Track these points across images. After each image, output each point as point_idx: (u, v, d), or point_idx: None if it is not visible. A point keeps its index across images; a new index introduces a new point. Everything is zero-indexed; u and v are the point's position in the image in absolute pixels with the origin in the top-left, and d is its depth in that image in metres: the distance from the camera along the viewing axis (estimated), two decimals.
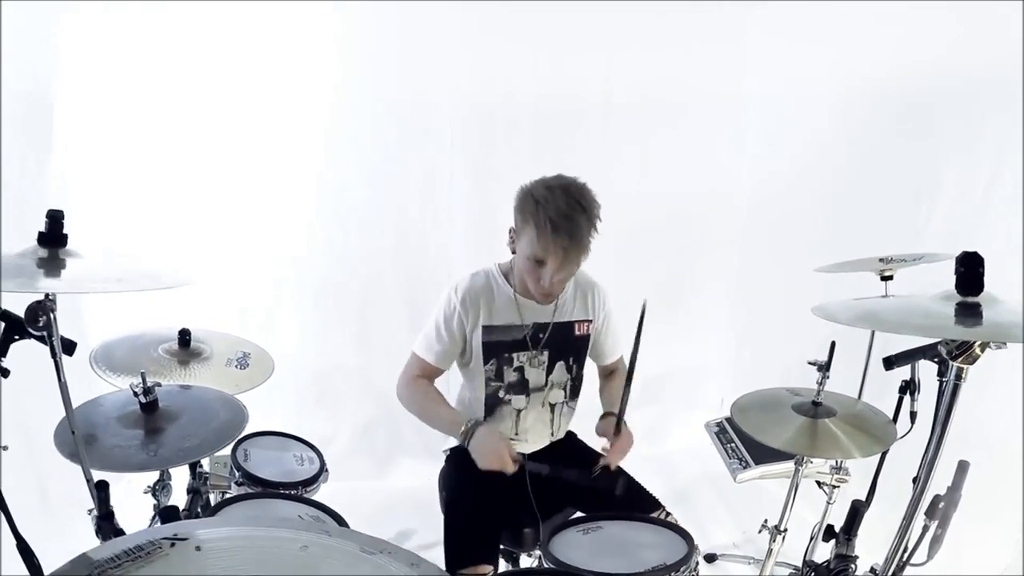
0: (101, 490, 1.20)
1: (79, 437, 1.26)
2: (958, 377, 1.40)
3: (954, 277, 1.39)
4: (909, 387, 2.09)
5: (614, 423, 2.04)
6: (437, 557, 2.82)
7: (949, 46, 2.88)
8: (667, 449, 4.01)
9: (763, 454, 2.62)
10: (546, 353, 2.18)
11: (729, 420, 2.88)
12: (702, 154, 4.07)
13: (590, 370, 2.39)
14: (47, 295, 1.21)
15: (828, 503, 2.43)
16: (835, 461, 2.46)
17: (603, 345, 2.33)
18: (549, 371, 2.21)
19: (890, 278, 2.44)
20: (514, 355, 2.16)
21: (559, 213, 1.89)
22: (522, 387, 2.20)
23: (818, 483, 2.50)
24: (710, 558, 3.02)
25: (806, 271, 2.72)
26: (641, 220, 3.90)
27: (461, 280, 2.16)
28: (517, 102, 3.72)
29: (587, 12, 3.63)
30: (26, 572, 1.32)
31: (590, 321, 2.25)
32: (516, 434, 2.23)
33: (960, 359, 1.36)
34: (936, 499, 1.61)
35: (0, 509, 1.38)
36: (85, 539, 1.48)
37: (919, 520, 1.68)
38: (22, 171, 2.83)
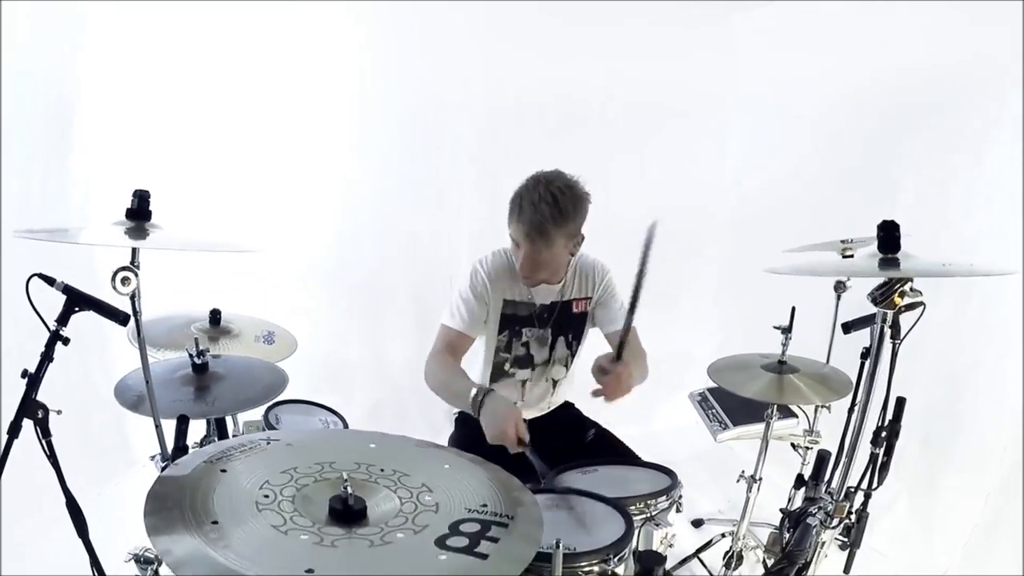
0: (182, 423, 1.42)
1: (151, 386, 1.48)
2: (884, 320, 1.63)
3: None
4: (869, 352, 2.37)
5: (603, 362, 2.06)
6: None
7: (934, 51, 3.00)
8: (656, 428, 4.15)
9: (740, 417, 2.83)
10: (549, 330, 2.35)
11: (711, 390, 3.10)
12: (696, 154, 4.23)
13: (589, 345, 2.53)
14: (133, 260, 1.44)
15: (803, 463, 2.66)
16: (808, 424, 2.70)
17: (607, 310, 2.40)
18: (552, 348, 2.38)
19: (851, 256, 2.57)
20: (523, 330, 2.33)
21: (530, 202, 2.04)
22: (527, 361, 2.37)
23: (792, 445, 2.74)
24: (697, 523, 3.23)
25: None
26: (638, 217, 4.03)
27: (485, 256, 2.30)
28: (525, 104, 3.85)
29: (584, 19, 3.78)
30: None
31: (588, 299, 2.40)
32: (521, 400, 2.41)
33: (882, 304, 1.59)
34: (879, 428, 1.83)
35: (54, 468, 1.57)
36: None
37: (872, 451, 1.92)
38: (46, 172, 3.01)
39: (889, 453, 1.87)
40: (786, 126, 4.01)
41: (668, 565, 2.54)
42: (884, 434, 1.83)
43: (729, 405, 2.95)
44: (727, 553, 2.64)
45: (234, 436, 2.17)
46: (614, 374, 2.02)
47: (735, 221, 4.31)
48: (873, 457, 1.88)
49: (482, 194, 3.83)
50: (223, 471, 0.97)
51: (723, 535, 2.88)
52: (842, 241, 2.62)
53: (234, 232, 3.39)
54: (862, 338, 2.08)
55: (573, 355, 2.45)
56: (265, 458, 1.02)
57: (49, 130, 3.02)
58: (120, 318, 1.61)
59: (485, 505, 1.03)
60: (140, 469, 3.35)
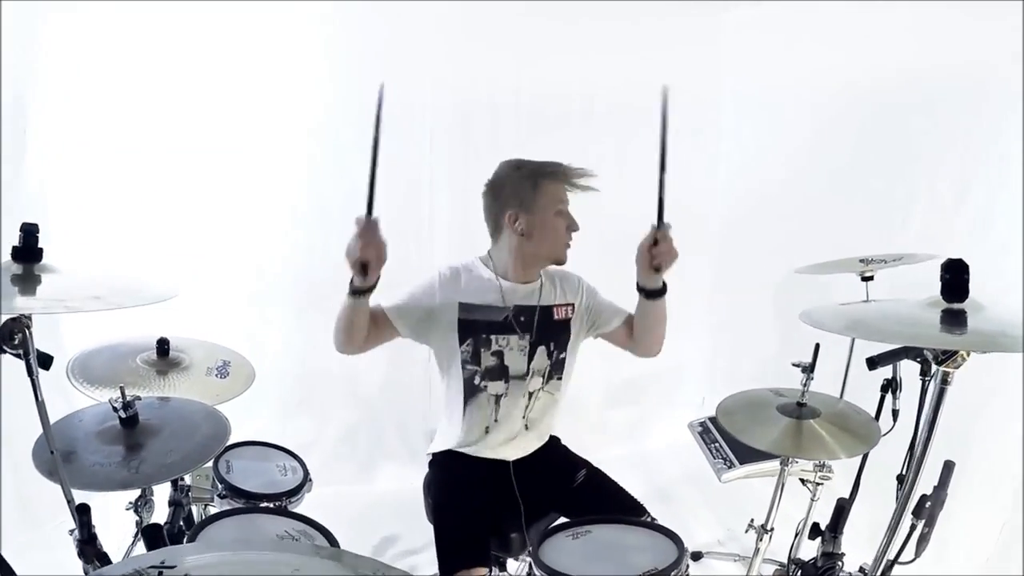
0: (83, 514, 1.16)
1: (58, 458, 1.22)
2: (944, 381, 1.43)
3: (938, 282, 1.42)
4: (891, 386, 2.16)
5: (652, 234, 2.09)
6: (424, 562, 2.88)
7: (923, 51, 2.92)
8: (648, 448, 4.06)
9: (747, 453, 2.63)
10: (527, 338, 2.15)
11: (712, 420, 2.90)
12: (679, 156, 4.04)
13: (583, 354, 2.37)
14: (23, 314, 1.17)
15: (812, 500, 2.45)
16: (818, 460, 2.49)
17: (605, 312, 2.32)
18: (530, 358, 2.17)
19: (870, 279, 2.46)
20: (492, 337, 2.13)
21: (540, 163, 2.14)
22: (501, 373, 2.16)
23: (802, 480, 2.53)
24: (696, 556, 3.03)
25: (781, 273, 2.75)
26: (620, 221, 3.88)
27: (449, 265, 2.20)
28: (498, 106, 3.76)
29: (566, 17, 3.65)
30: None
31: (571, 305, 2.25)
32: (496, 420, 2.19)
33: (945, 363, 1.38)
34: (923, 499, 1.63)
35: None
36: (69, 554, 1.46)
37: (906, 519, 1.70)
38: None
39: (931, 524, 1.66)
40: (776, 126, 3.93)
41: None
42: (929, 504, 1.64)
43: (733, 439, 2.71)
44: None
45: (182, 487, 1.93)
46: (665, 241, 2.06)
47: (725, 226, 4.24)
48: (912, 527, 1.71)
49: (455, 200, 3.71)
50: None
51: None
52: (861, 260, 2.46)
53: (188, 242, 3.31)
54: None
55: (554, 367, 2.23)
56: None
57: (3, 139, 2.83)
58: (42, 361, 1.36)
59: None
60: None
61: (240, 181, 3.44)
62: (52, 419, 1.58)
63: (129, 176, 3.15)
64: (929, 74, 2.92)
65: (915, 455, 1.56)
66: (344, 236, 3.60)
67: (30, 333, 1.19)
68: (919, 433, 1.56)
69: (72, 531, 1.49)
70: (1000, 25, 2.59)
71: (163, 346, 2.13)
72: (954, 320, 1.35)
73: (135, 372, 2.03)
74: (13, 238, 1.39)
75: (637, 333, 2.29)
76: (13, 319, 1.16)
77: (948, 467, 1.64)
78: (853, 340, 2.45)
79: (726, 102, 4.16)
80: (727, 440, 2.76)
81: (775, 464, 2.38)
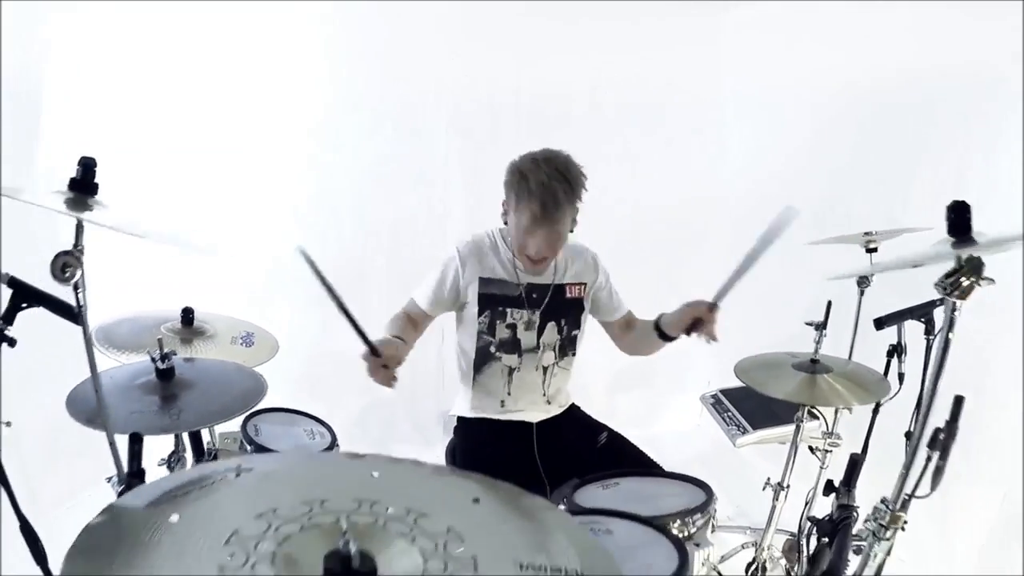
0: (135, 443, 1.17)
1: (102, 396, 1.24)
2: (953, 311, 1.50)
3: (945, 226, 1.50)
4: (896, 350, 2.23)
5: (706, 305, 2.06)
6: None
7: (921, 50, 2.96)
8: (658, 431, 4.01)
9: (759, 420, 2.70)
10: (537, 314, 2.23)
11: (724, 391, 2.96)
12: (685, 152, 4.16)
13: (591, 338, 2.43)
14: (75, 246, 1.19)
15: (821, 467, 2.49)
16: (827, 426, 2.54)
17: (609, 302, 2.37)
18: (540, 333, 2.24)
19: (875, 250, 2.51)
20: (508, 311, 2.20)
21: (538, 182, 1.98)
22: (514, 346, 2.24)
23: (811, 448, 2.57)
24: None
25: (787, 263, 2.81)
26: (628, 216, 3.99)
27: (467, 240, 2.24)
28: (506, 103, 3.79)
29: (570, 16, 3.69)
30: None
31: (583, 284, 2.30)
32: (509, 393, 2.26)
33: (954, 293, 1.43)
34: (936, 431, 1.66)
35: (4, 487, 1.38)
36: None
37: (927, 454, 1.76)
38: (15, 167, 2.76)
39: (945, 457, 1.69)
40: (777, 124, 3.96)
41: None
42: (943, 436, 1.66)
43: (745, 407, 2.83)
44: (750, 564, 2.49)
45: (209, 449, 1.95)
46: (712, 321, 2.08)
47: (730, 220, 4.23)
48: (929, 460, 1.69)
49: (463, 191, 3.78)
50: (173, 519, 0.70)
51: (743, 546, 2.73)
52: (864, 234, 2.51)
53: (209, 231, 3.29)
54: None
55: (566, 343, 2.32)
56: (234, 497, 0.75)
57: (16, 127, 2.84)
58: (74, 316, 1.38)
59: (542, 559, 0.73)
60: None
61: (260, 175, 3.50)
62: (76, 382, 1.63)
63: (144, 169, 3.17)
64: (927, 74, 2.97)
65: (926, 390, 1.64)
66: (357, 228, 3.70)
67: (83, 271, 1.20)
68: (931, 364, 1.63)
69: (109, 478, 1.52)
70: (998, 25, 2.62)
71: (188, 315, 2.17)
72: (964, 244, 1.44)
73: (162, 339, 2.05)
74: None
75: (631, 345, 2.42)
76: (66, 252, 1.18)
77: (958, 401, 1.69)
78: (859, 305, 2.51)
79: (728, 99, 4.19)
80: (739, 409, 2.82)
81: (787, 428, 2.44)
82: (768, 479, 2.41)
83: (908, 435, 1.93)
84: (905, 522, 1.71)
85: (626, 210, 3.96)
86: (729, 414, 2.82)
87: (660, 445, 3.88)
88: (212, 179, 3.39)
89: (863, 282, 2.51)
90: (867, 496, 1.86)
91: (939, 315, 2.01)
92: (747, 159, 4.15)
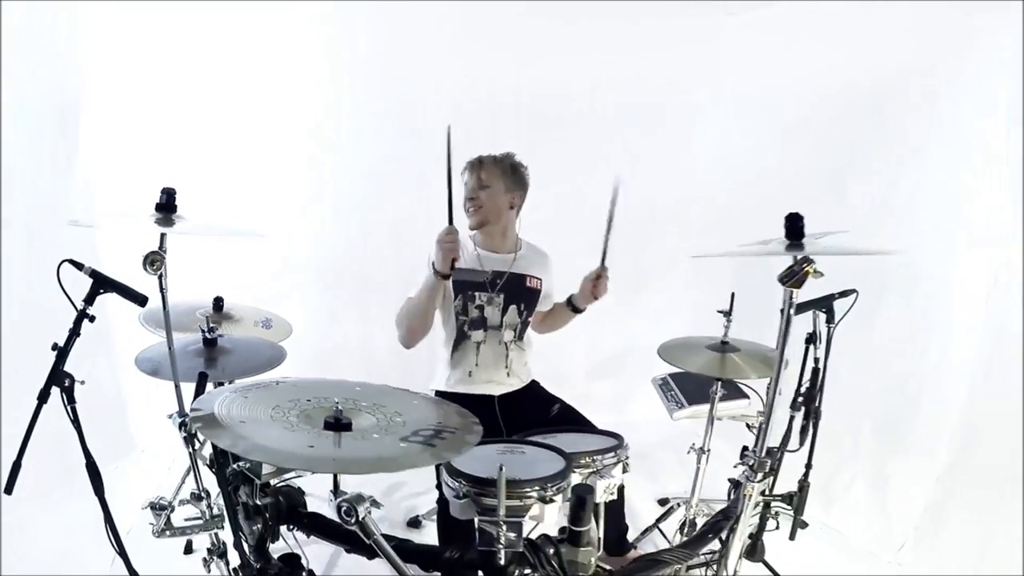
0: (202, 379, 1.71)
1: (174, 352, 1.76)
2: (791, 298, 1.84)
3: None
4: (811, 338, 2.43)
5: (596, 271, 2.72)
6: (424, 503, 3.28)
7: (911, 54, 3.16)
8: (628, 418, 4.01)
9: (696, 397, 3.04)
10: (502, 296, 2.71)
11: (672, 375, 3.31)
12: (671, 152, 4.41)
13: (571, 327, 2.96)
14: (160, 246, 1.73)
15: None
16: (761, 404, 2.85)
17: (548, 298, 2.93)
18: (504, 312, 2.73)
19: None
20: (476, 294, 2.69)
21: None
22: (481, 323, 2.71)
23: (747, 425, 2.95)
24: (663, 502, 3.43)
25: (754, 260, 3.00)
26: (627, 214, 4.15)
27: None
28: (506, 103, 4.06)
29: (570, 16, 3.95)
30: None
31: (540, 279, 2.83)
32: (476, 365, 2.73)
33: (789, 283, 1.80)
34: (797, 393, 2.08)
35: (77, 431, 1.73)
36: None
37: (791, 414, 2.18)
38: (53, 175, 3.18)
39: (808, 417, 2.10)
40: (766, 124, 4.15)
41: (631, 536, 2.84)
42: (802, 399, 2.08)
43: (686, 388, 3.16)
44: (681, 521, 2.88)
45: None
46: (604, 276, 2.73)
47: (710, 216, 4.45)
48: (792, 419, 2.13)
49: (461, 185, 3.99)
50: (245, 397, 1.28)
51: (678, 504, 3.11)
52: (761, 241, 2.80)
53: (221, 224, 3.60)
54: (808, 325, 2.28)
55: (522, 323, 2.78)
56: (275, 393, 1.34)
57: (54, 128, 3.20)
58: (140, 300, 1.84)
59: (440, 422, 1.43)
60: (140, 455, 3.64)
61: (276, 177, 3.82)
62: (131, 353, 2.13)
63: (165, 174, 3.31)
64: (920, 75, 3.13)
65: (777, 364, 1.93)
66: (362, 227, 4.04)
67: (165, 263, 1.73)
68: (778, 343, 1.93)
69: (171, 415, 1.99)
70: (989, 28, 2.81)
71: (219, 303, 2.67)
72: (794, 248, 1.83)
73: (196, 322, 2.45)
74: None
75: (548, 325, 3.03)
76: (155, 252, 1.71)
77: (816, 372, 2.10)
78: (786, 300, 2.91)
79: (718, 101, 4.39)
80: (681, 388, 3.18)
81: (718, 405, 2.83)
82: (692, 444, 2.84)
83: (794, 398, 2.23)
84: (772, 468, 2.05)
85: (625, 209, 4.20)
86: (672, 393, 3.18)
87: (629, 429, 4.09)
88: (212, 180, 3.62)
89: None
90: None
91: (839, 305, 2.33)
92: (735, 159, 4.33)
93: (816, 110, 3.77)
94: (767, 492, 2.18)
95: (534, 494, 1.60)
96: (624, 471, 2.09)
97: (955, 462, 2.89)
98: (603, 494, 1.93)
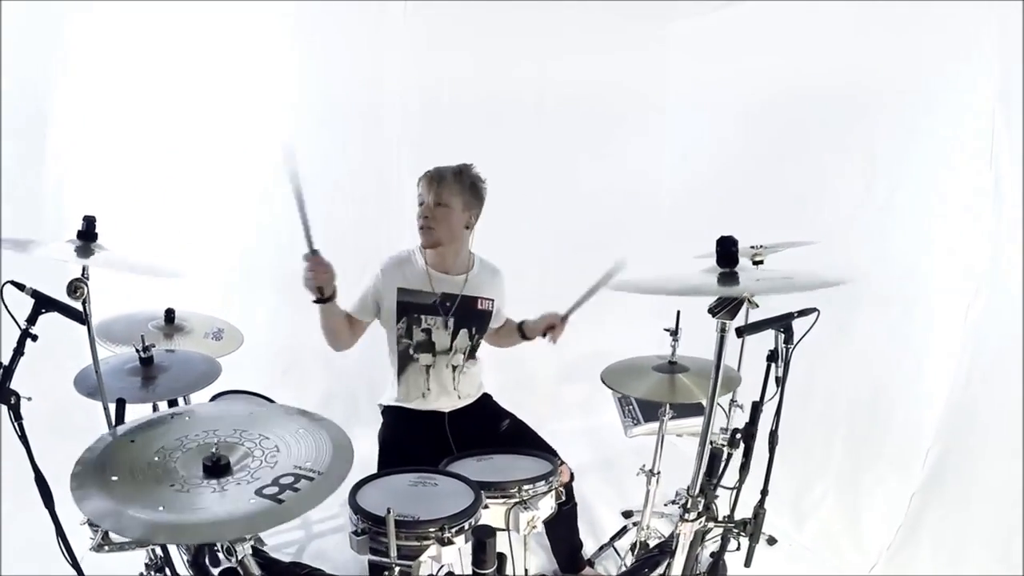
0: (120, 406, 1.72)
1: (101, 375, 1.77)
2: (722, 330, 1.80)
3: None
4: (774, 356, 2.37)
5: (559, 316, 2.63)
6: None
7: (861, 57, 3.16)
8: (598, 423, 4.35)
9: (652, 414, 3.01)
10: (452, 320, 2.60)
11: None
12: (627, 154, 4.43)
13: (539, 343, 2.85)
14: (83, 273, 1.73)
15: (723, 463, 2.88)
16: (724, 424, 2.92)
17: (499, 315, 2.80)
18: (454, 336, 2.62)
19: (761, 263, 2.74)
20: (423, 317, 2.57)
21: (433, 167, 2.53)
22: (429, 347, 2.60)
23: (709, 442, 2.97)
24: (627, 514, 3.41)
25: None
26: (572, 214, 4.25)
27: (389, 257, 2.62)
28: (458, 105, 4.06)
29: (523, 23, 3.99)
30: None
31: (492, 300, 2.70)
32: (429, 388, 2.64)
33: (719, 314, 1.77)
34: (734, 431, 2.03)
35: (24, 447, 1.75)
36: None
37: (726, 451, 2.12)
38: (22, 172, 3.18)
39: (748, 455, 2.06)
40: (718, 128, 4.17)
41: (588, 552, 2.83)
42: (739, 436, 2.03)
43: (644, 404, 3.15)
44: (632, 543, 2.87)
45: None
46: (560, 328, 2.65)
47: (670, 220, 4.49)
48: (729, 456, 2.07)
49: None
50: (132, 442, 1.29)
51: (634, 524, 3.06)
52: (751, 247, 2.75)
53: (181, 231, 3.64)
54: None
55: (473, 346, 2.69)
56: (167, 429, 1.35)
57: (23, 135, 3.21)
58: (80, 318, 1.85)
59: (308, 463, 1.37)
60: None
61: (232, 176, 3.79)
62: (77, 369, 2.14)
63: (132, 172, 3.52)
64: (871, 78, 3.13)
65: (711, 393, 1.91)
66: (321, 225, 3.99)
67: (88, 290, 1.74)
68: (712, 376, 1.91)
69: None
70: (944, 30, 2.81)
71: (170, 315, 2.65)
72: (728, 280, 1.76)
73: (147, 335, 2.46)
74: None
75: (495, 342, 2.89)
76: (77, 279, 1.72)
77: (756, 407, 2.06)
78: (747, 318, 2.82)
79: (670, 103, 4.47)
80: (640, 405, 3.17)
81: (676, 423, 2.85)
82: (643, 465, 2.81)
83: (731, 435, 2.16)
84: (707, 507, 2.01)
85: (572, 204, 4.22)
86: (630, 407, 3.18)
87: (598, 436, 4.23)
88: (195, 180, 3.70)
89: (750, 302, 2.84)
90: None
91: (798, 325, 2.26)
92: (691, 163, 4.38)
93: (765, 113, 3.78)
94: (727, 517, 2.16)
95: (432, 534, 1.58)
96: (558, 499, 2.08)
97: (930, 479, 2.85)
98: (525, 527, 1.91)
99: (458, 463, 2.22)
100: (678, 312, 2.64)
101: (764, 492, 2.28)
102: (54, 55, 3.28)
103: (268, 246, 3.87)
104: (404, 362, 2.64)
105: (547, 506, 1.98)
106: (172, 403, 2.31)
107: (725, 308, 1.75)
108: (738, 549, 2.26)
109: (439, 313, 2.59)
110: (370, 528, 1.59)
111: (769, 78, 3.69)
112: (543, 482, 2.01)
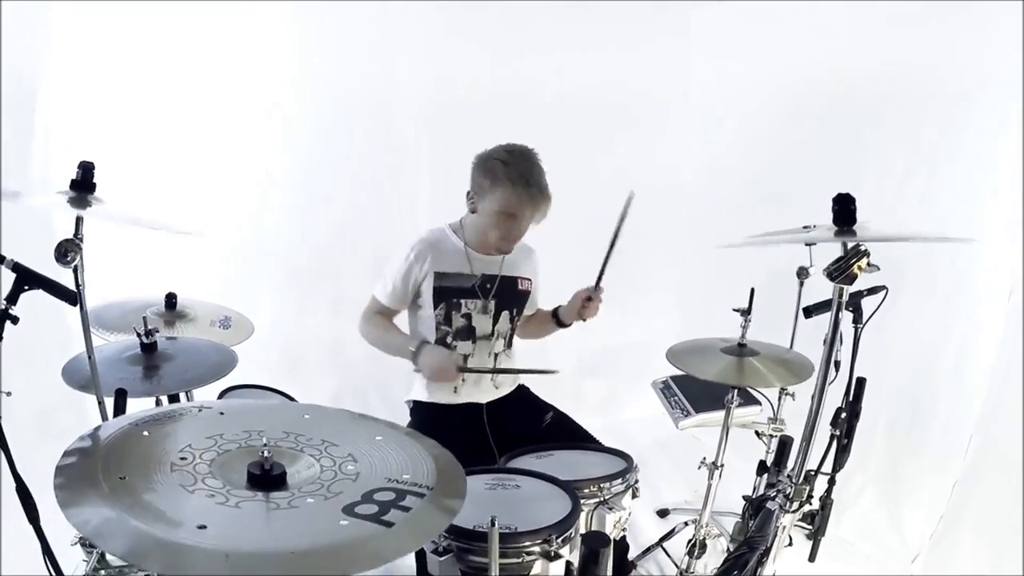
0: (120, 397, 1.38)
1: (93, 360, 1.44)
2: (840, 296, 1.59)
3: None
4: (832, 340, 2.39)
5: (589, 291, 2.40)
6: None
7: (889, 49, 3.06)
8: (622, 418, 4.20)
9: (703, 404, 2.82)
10: (494, 302, 2.39)
11: (674, 378, 3.10)
12: (649, 148, 4.27)
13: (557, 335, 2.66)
14: (75, 235, 1.40)
15: (767, 452, 2.66)
16: (772, 411, 2.71)
17: (534, 299, 2.61)
18: (495, 320, 2.41)
19: (814, 244, 2.52)
20: (463, 301, 2.36)
21: (525, 171, 2.23)
22: (469, 333, 2.39)
23: (756, 433, 2.75)
24: (663, 513, 3.22)
25: (745, 257, 2.95)
26: (593, 210, 4.05)
27: (421, 236, 2.40)
28: (472, 101, 3.89)
29: (541, 14, 3.82)
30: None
31: (530, 279, 2.51)
32: (463, 380, 2.40)
33: (838, 278, 1.54)
34: (838, 410, 1.83)
35: (3, 451, 1.51)
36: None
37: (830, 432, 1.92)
38: (5, 153, 2.88)
39: (849, 435, 1.88)
40: (742, 119, 4.07)
41: (632, 555, 2.60)
42: (844, 415, 1.83)
43: (692, 392, 2.94)
44: (690, 542, 2.63)
45: None
46: (597, 298, 2.40)
47: (695, 210, 4.39)
48: (833, 439, 1.89)
49: (435, 180, 3.87)
50: (145, 434, 0.94)
51: (686, 523, 2.85)
52: (804, 227, 2.54)
53: (190, 218, 3.34)
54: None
55: (512, 329, 2.51)
56: (194, 424, 0.99)
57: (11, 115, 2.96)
58: (71, 298, 1.57)
59: (407, 476, 1.01)
60: None
61: (239, 165, 3.59)
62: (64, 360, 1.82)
63: (129, 158, 3.25)
64: (896, 70, 3.05)
65: (820, 372, 1.74)
66: (333, 220, 3.85)
67: (82, 256, 1.41)
68: (823, 348, 1.72)
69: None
70: (969, 25, 2.74)
71: (171, 300, 2.34)
72: (846, 235, 1.55)
73: (147, 322, 2.23)
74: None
75: (530, 332, 2.67)
76: (68, 239, 1.38)
77: (860, 383, 1.85)
78: (800, 294, 2.60)
79: (692, 97, 4.32)
80: (685, 394, 2.95)
81: (740, 411, 2.56)
82: (704, 458, 2.56)
83: (835, 415, 2.03)
84: (810, 496, 1.82)
85: (594, 200, 3.96)
86: (676, 399, 2.95)
87: (622, 431, 4.01)
88: (186, 173, 3.47)
89: (802, 273, 2.61)
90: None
91: (867, 304, 2.16)
92: (716, 154, 4.24)
93: (790, 104, 3.69)
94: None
95: (536, 549, 1.30)
96: (634, 497, 1.89)
97: (972, 468, 2.73)
98: (613, 530, 1.69)
99: (518, 460, 1.98)
100: (752, 289, 2.38)
101: (832, 482, 2.20)
102: (50, 41, 3.10)
103: (271, 236, 3.71)
104: None
105: (629, 505, 1.78)
106: (173, 398, 2.01)
107: (846, 270, 1.51)
108: (789, 545, 2.14)
109: (479, 296, 2.38)
110: (457, 545, 1.26)
111: (795, 67, 3.57)
112: (620, 480, 1.80)
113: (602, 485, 1.73)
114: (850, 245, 1.51)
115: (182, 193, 3.40)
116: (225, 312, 2.47)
